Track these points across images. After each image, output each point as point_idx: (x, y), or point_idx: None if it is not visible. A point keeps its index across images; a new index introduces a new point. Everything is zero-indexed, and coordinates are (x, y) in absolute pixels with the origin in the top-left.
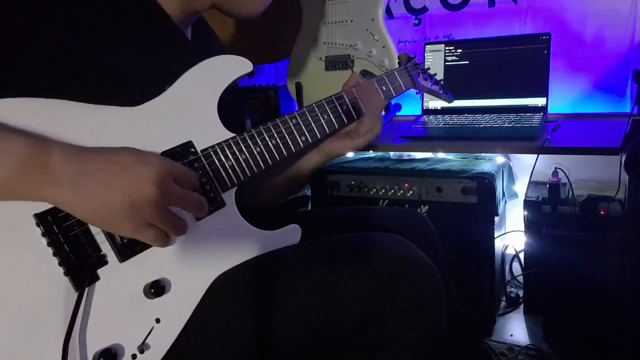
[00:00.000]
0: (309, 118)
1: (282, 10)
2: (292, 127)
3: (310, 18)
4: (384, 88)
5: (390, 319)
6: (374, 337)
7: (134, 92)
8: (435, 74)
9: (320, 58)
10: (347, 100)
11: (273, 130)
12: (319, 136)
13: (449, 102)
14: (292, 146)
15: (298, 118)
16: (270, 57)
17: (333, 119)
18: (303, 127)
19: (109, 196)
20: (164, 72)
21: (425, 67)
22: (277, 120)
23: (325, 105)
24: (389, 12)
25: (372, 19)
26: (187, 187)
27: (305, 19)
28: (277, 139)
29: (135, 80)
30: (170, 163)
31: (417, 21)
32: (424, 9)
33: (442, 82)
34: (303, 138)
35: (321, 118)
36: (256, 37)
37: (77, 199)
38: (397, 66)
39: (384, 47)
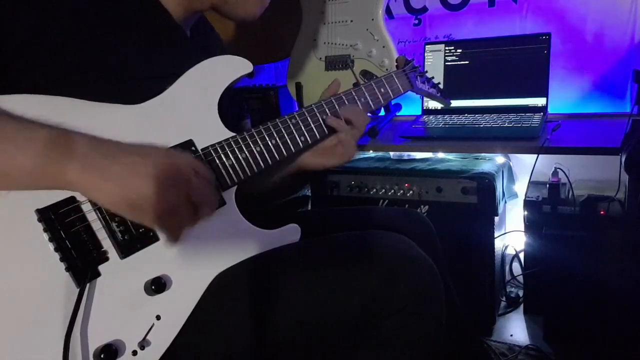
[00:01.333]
0: (308, 119)
1: (282, 10)
2: (292, 128)
3: (310, 18)
4: (382, 90)
5: (389, 316)
6: (373, 334)
7: (135, 91)
8: (433, 77)
9: (320, 58)
10: (346, 102)
11: (273, 130)
12: (318, 137)
13: (447, 105)
14: (291, 146)
15: (297, 118)
16: (270, 57)
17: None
18: (302, 128)
19: (135, 180)
20: (165, 72)
21: (425, 67)
22: (277, 120)
23: (324, 106)
24: (389, 12)
25: (372, 19)
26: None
27: (305, 19)
28: (277, 139)
29: (136, 79)
30: (193, 158)
31: (417, 21)
32: (424, 9)
33: (440, 85)
34: (302, 138)
35: (320, 119)
36: (256, 37)
37: (102, 183)
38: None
39: (384, 47)
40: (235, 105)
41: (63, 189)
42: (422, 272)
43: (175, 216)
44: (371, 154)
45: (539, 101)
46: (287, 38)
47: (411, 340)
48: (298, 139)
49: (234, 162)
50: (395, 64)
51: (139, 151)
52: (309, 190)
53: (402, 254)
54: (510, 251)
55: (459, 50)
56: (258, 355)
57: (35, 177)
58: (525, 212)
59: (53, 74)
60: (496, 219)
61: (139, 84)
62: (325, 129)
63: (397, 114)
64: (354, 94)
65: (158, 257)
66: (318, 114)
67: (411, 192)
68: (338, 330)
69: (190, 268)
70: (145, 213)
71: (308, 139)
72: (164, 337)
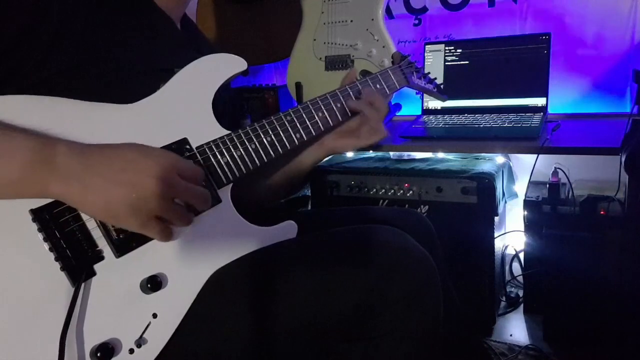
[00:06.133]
0: (303, 115)
1: (282, 10)
2: (287, 125)
3: (310, 18)
4: (377, 86)
5: (386, 309)
6: (371, 328)
7: (128, 86)
8: (429, 73)
9: (320, 58)
10: (341, 98)
11: (267, 127)
12: (313, 133)
13: (443, 100)
14: (287, 143)
15: (292, 115)
16: (270, 57)
17: (327, 116)
18: (298, 125)
19: (116, 191)
20: (158, 65)
21: (425, 67)
22: (272, 117)
23: (320, 102)
24: (389, 12)
25: (372, 19)
26: (192, 181)
27: (305, 19)
28: (272, 136)
29: (129, 74)
30: (175, 157)
31: (417, 21)
32: (424, 9)
33: (436, 81)
34: (298, 135)
35: (315, 115)
36: (256, 37)
37: (84, 195)
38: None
39: (384, 47)
40: (234, 104)
41: (48, 198)
42: (418, 265)
43: (160, 221)
44: (371, 154)
45: (539, 101)
46: (287, 38)
47: (409, 333)
48: (293, 135)
49: (229, 159)
50: (391, 59)
51: (122, 157)
52: (309, 190)
53: (398, 246)
54: (510, 251)
55: (459, 50)
56: (256, 352)
57: (18, 189)
58: (525, 212)
59: (46, 70)
60: (496, 219)
61: (131, 79)
62: (321, 126)
63: (397, 113)
64: (349, 90)
65: (154, 256)
66: (313, 111)
67: (411, 192)
68: (335, 324)
69: (187, 266)
70: (128, 221)
71: (303, 135)
72: (160, 335)
